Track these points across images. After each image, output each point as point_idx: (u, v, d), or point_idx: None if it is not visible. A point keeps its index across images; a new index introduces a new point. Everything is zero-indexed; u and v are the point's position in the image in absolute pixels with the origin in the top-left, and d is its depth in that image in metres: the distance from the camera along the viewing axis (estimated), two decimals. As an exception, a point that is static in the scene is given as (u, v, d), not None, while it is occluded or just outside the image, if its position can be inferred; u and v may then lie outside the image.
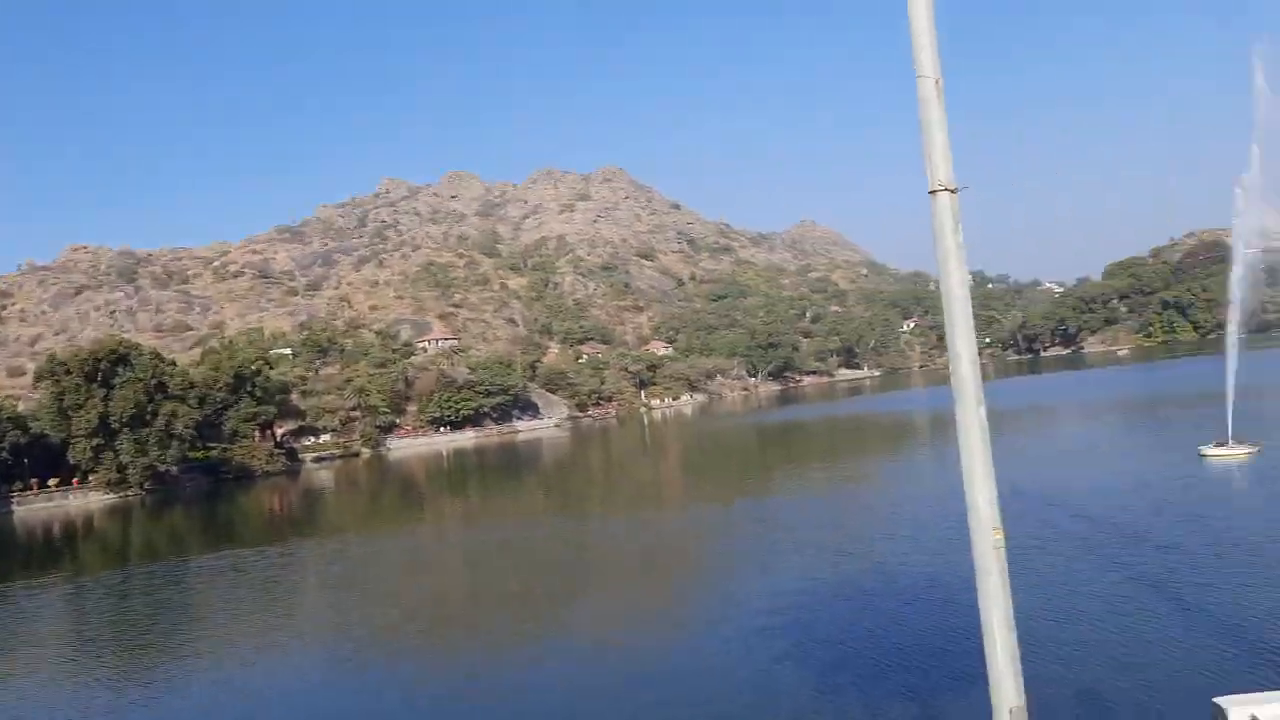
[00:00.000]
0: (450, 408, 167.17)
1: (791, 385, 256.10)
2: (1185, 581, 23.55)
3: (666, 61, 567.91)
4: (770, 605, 26.19)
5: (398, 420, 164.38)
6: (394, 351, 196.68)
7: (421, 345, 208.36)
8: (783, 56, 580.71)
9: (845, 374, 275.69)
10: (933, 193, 7.11)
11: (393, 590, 37.78)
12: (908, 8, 7.13)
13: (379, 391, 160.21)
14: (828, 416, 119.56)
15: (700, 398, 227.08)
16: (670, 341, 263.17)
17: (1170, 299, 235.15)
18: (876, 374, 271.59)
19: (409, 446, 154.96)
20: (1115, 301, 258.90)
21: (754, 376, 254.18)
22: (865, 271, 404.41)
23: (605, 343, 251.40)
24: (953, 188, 7.00)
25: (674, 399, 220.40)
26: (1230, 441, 42.92)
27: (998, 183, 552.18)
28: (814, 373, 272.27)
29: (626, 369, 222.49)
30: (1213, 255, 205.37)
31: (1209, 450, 42.88)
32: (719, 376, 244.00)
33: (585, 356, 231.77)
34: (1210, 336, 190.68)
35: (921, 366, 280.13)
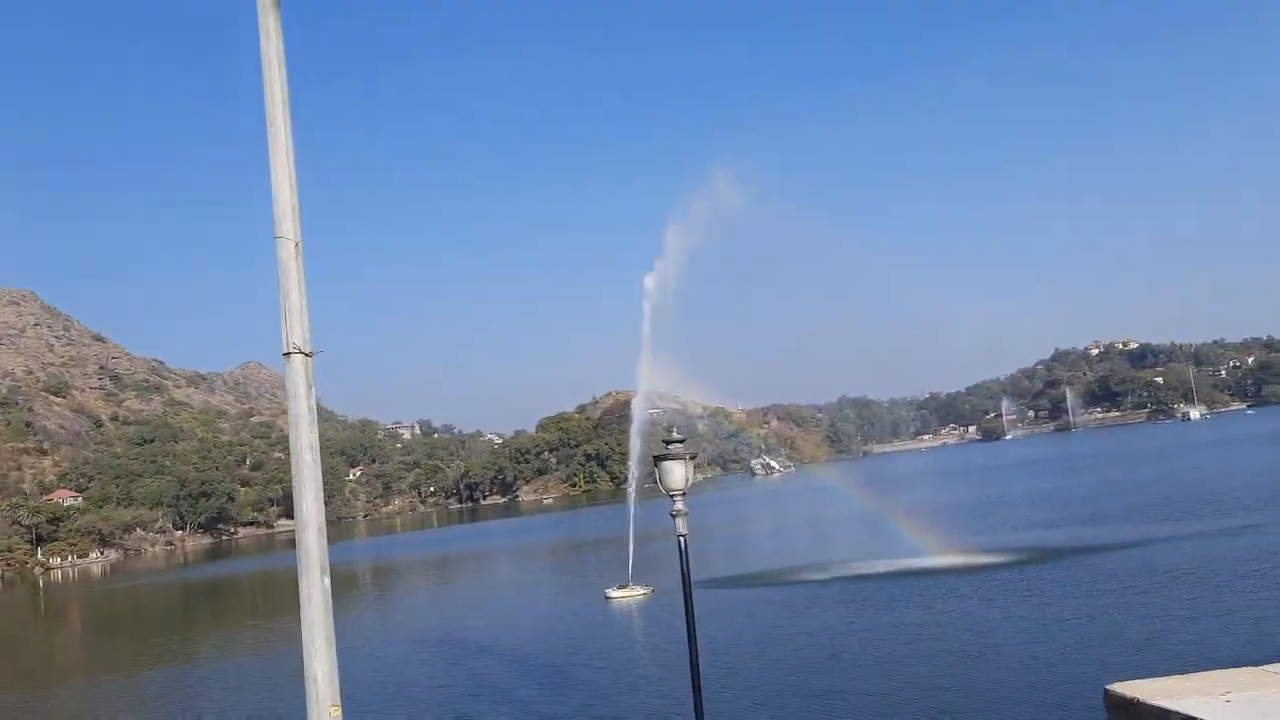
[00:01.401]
0: None
1: (225, 538, 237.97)
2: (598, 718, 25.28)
3: (97, 188, 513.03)
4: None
5: None
6: None
7: None
8: (203, 214, 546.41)
9: (286, 524, 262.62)
10: (287, 355, 6.97)
11: None
12: (270, 170, 7.11)
13: None
14: (263, 570, 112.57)
15: (114, 554, 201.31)
16: (81, 490, 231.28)
17: (592, 452, 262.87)
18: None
19: None
20: (547, 453, 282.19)
21: (181, 529, 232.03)
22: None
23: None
24: (308, 351, 6.95)
25: (80, 556, 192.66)
26: (630, 583, 47.95)
27: (433, 335, 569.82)
28: (252, 524, 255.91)
29: (20, 522, 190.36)
30: (625, 413, 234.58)
31: (613, 592, 47.45)
32: (139, 530, 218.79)
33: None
34: (623, 486, 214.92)
35: (366, 516, 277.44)
